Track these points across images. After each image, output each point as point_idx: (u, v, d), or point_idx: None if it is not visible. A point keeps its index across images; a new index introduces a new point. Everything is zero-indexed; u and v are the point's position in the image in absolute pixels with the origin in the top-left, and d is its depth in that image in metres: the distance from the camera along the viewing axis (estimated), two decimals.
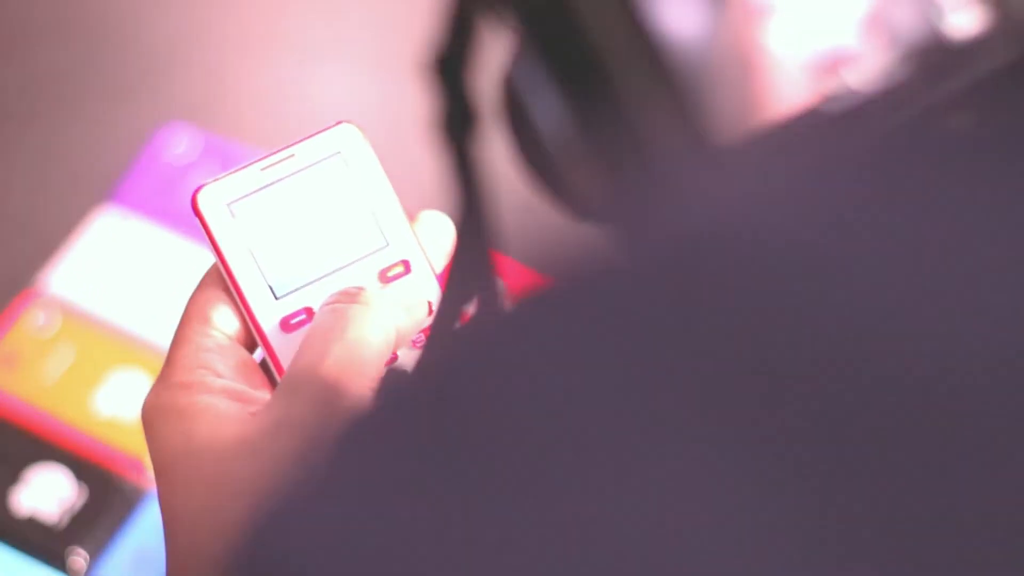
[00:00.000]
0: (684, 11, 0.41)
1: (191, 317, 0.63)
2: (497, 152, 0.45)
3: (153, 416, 0.61)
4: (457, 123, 0.43)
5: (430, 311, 0.64)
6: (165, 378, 0.62)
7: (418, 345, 0.64)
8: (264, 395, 0.62)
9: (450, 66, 0.42)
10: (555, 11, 0.41)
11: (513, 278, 1.04)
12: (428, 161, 1.13)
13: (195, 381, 0.61)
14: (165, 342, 1.07)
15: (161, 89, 1.20)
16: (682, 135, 0.42)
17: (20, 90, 1.21)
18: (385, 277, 0.64)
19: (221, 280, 0.64)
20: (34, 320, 1.09)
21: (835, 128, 0.43)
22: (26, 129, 1.19)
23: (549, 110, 0.43)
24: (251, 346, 0.64)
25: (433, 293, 0.64)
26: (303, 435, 0.58)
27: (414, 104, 1.17)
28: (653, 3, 0.41)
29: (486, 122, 0.43)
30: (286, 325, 0.63)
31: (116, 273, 1.11)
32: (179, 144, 1.16)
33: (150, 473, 0.62)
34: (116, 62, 1.22)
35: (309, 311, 0.63)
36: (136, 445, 1.03)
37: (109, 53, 1.22)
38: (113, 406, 1.05)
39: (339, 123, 0.65)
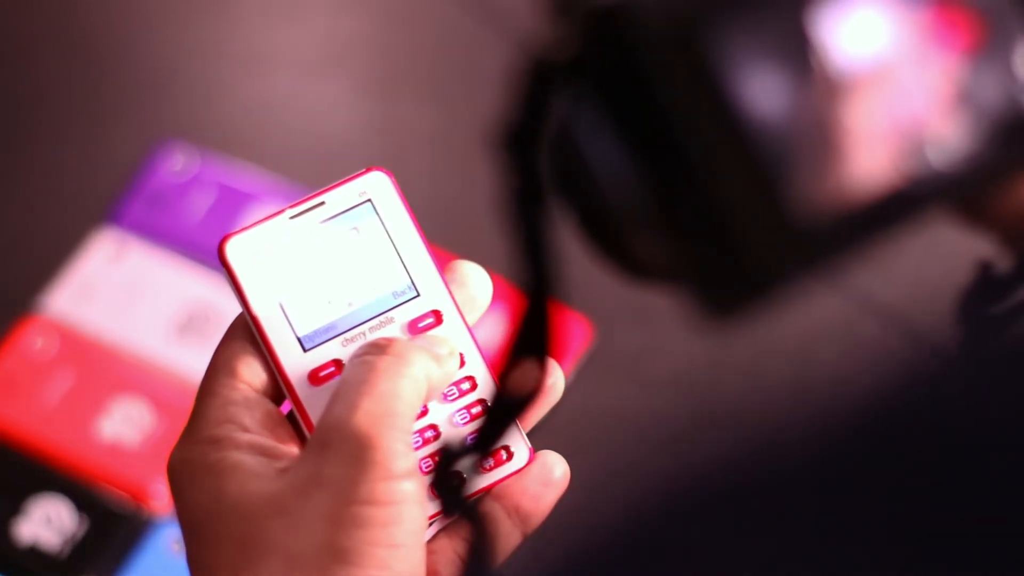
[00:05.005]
0: (766, 86, 0.40)
1: (218, 369, 0.62)
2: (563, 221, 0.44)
3: (180, 472, 0.60)
4: (527, 199, 0.42)
5: (462, 363, 0.63)
6: (192, 432, 0.61)
7: (449, 398, 0.63)
8: (292, 449, 0.61)
9: (521, 141, 0.41)
10: (633, 84, 0.40)
11: (574, 336, 1.03)
12: (424, 179, 1.12)
13: (222, 436, 0.60)
14: (166, 365, 1.06)
15: (156, 107, 1.19)
16: (762, 211, 0.40)
17: (12, 110, 1.19)
18: (415, 328, 0.63)
19: (248, 331, 0.62)
20: (32, 344, 1.07)
21: (917, 204, 0.41)
22: (19, 150, 1.17)
23: (618, 176, 0.41)
24: (278, 398, 0.63)
25: (465, 344, 0.63)
26: (334, 492, 0.57)
27: (410, 122, 1.16)
28: (734, 78, 0.39)
29: (555, 196, 0.42)
30: (315, 378, 0.62)
31: (115, 295, 1.09)
32: (176, 162, 1.15)
33: (178, 528, 0.61)
34: (110, 80, 1.20)
35: (338, 363, 0.62)
36: (137, 473, 1.02)
37: (103, 71, 1.20)
38: (114, 432, 1.04)
39: (369, 170, 0.64)
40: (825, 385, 0.98)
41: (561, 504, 0.64)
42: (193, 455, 0.60)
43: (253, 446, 0.60)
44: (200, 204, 1.13)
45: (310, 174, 1.14)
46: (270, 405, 0.62)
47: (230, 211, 1.13)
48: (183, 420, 1.02)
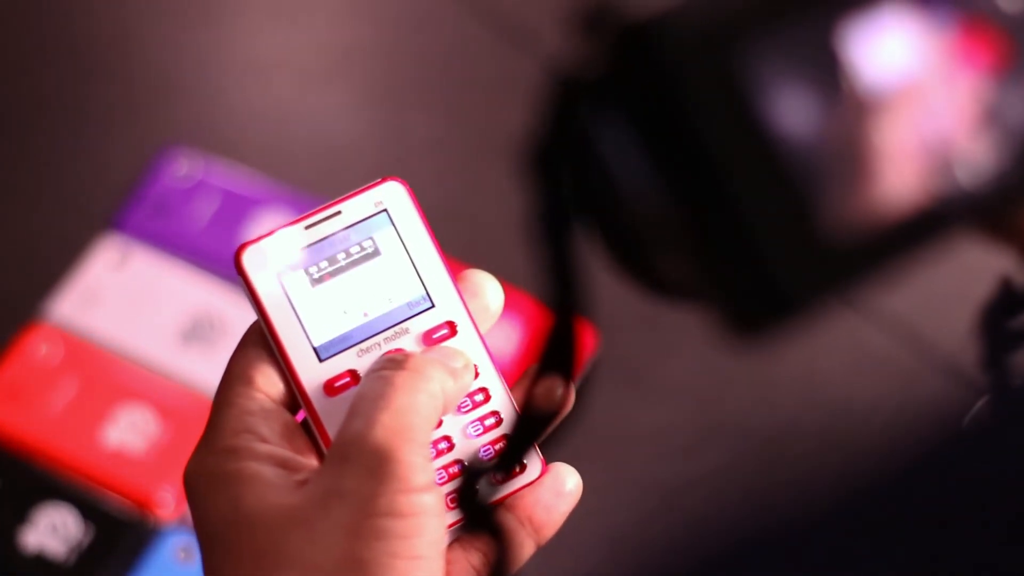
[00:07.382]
0: (795, 104, 0.40)
1: (234, 378, 0.62)
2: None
3: (198, 483, 0.60)
4: (554, 217, 0.42)
5: (476, 374, 0.63)
6: (209, 443, 0.61)
7: (463, 410, 0.63)
8: (308, 460, 0.61)
9: (548, 160, 0.41)
10: (662, 102, 0.40)
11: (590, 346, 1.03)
12: (428, 186, 1.11)
13: (240, 446, 0.60)
14: (171, 372, 1.06)
15: (160, 113, 1.19)
16: (790, 229, 0.41)
17: (16, 116, 1.19)
18: (430, 339, 0.63)
19: (263, 340, 0.62)
20: (36, 351, 1.07)
21: (945, 222, 0.42)
22: (23, 157, 1.17)
23: (646, 194, 0.41)
24: (293, 408, 0.63)
25: (479, 356, 0.63)
26: (354, 505, 0.57)
27: (415, 130, 1.16)
28: (763, 96, 0.39)
29: (581, 214, 0.42)
30: (330, 388, 0.62)
31: (119, 302, 1.09)
32: (180, 169, 1.15)
33: (185, 536, 0.61)
34: (114, 87, 1.20)
35: (353, 373, 0.62)
36: (143, 481, 1.02)
37: (107, 78, 1.20)
38: (119, 440, 1.03)
39: (385, 180, 0.64)
40: (834, 397, 0.98)
41: (573, 514, 0.64)
42: (210, 465, 0.60)
43: (271, 457, 0.60)
44: (204, 210, 1.13)
45: (315, 181, 1.14)
46: (287, 415, 0.62)
47: (234, 217, 1.13)
48: (188, 427, 1.03)
